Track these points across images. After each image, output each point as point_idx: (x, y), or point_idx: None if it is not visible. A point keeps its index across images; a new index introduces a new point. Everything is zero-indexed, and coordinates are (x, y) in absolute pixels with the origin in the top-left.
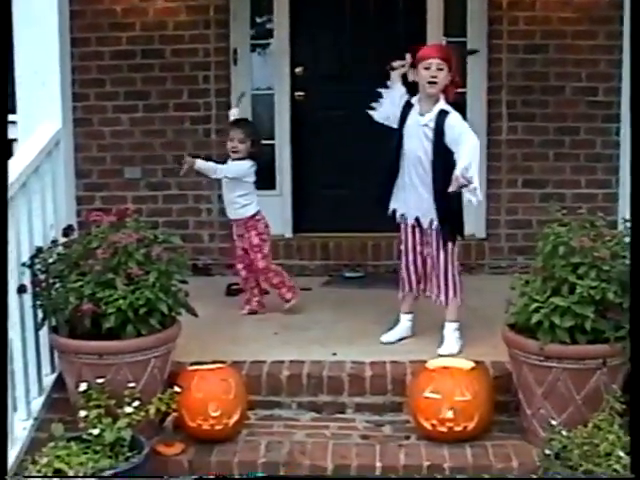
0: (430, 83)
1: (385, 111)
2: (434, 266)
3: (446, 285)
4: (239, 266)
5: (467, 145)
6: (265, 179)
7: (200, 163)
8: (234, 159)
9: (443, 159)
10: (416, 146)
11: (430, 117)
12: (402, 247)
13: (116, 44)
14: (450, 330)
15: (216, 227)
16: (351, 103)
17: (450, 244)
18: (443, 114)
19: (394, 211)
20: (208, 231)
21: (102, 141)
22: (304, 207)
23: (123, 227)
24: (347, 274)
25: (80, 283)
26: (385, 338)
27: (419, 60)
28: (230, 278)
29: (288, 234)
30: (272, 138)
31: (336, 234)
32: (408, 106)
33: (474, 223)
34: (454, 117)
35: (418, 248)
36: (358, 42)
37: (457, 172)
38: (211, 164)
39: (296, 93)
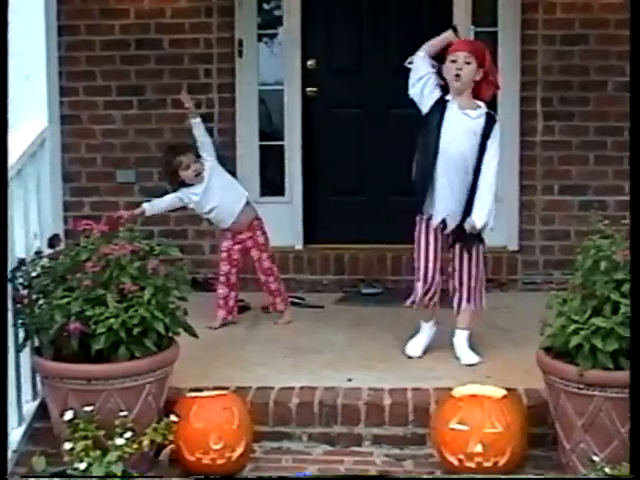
0: (455, 77)
1: (424, 68)
2: (454, 275)
3: (468, 291)
4: (222, 279)
5: (489, 177)
6: (273, 184)
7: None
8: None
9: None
10: (462, 143)
11: (478, 114)
12: (422, 251)
13: (108, 33)
14: (464, 338)
15: (218, 237)
16: (369, 100)
17: (474, 249)
18: (491, 117)
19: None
20: (209, 242)
21: (92, 141)
22: (316, 216)
23: (115, 237)
24: (364, 290)
25: (67, 299)
26: (411, 350)
27: (447, 54)
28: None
29: (298, 245)
30: (281, 139)
31: (352, 245)
32: (442, 102)
33: (506, 234)
34: (497, 128)
35: (439, 252)
36: (377, 32)
37: (477, 224)
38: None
39: (308, 89)
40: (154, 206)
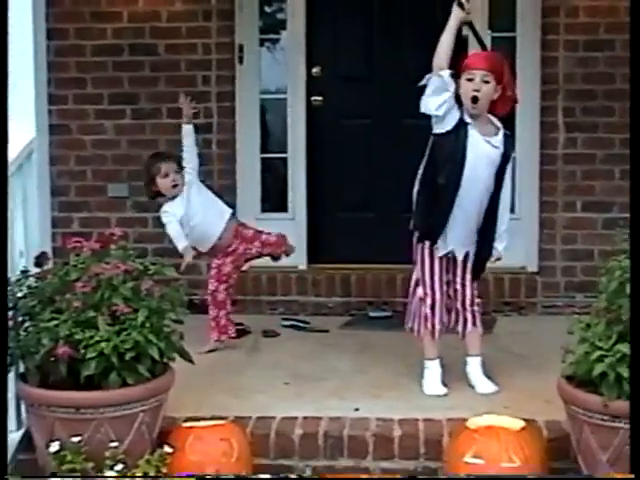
0: (472, 100)
1: (448, 88)
2: (457, 297)
3: (473, 315)
4: (210, 298)
5: (507, 202)
6: (275, 200)
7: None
8: (172, 195)
9: (501, 186)
10: (484, 175)
11: (500, 140)
12: (426, 280)
13: (99, 37)
14: (478, 366)
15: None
16: (379, 109)
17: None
18: (508, 138)
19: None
20: (206, 261)
21: (82, 152)
22: (321, 233)
23: (107, 256)
24: (372, 313)
25: (55, 322)
26: (432, 389)
27: (463, 70)
28: (232, 317)
29: (302, 265)
30: (284, 151)
31: (359, 265)
32: (463, 124)
33: (524, 254)
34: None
35: (444, 276)
36: (388, 35)
37: (502, 253)
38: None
39: (313, 97)
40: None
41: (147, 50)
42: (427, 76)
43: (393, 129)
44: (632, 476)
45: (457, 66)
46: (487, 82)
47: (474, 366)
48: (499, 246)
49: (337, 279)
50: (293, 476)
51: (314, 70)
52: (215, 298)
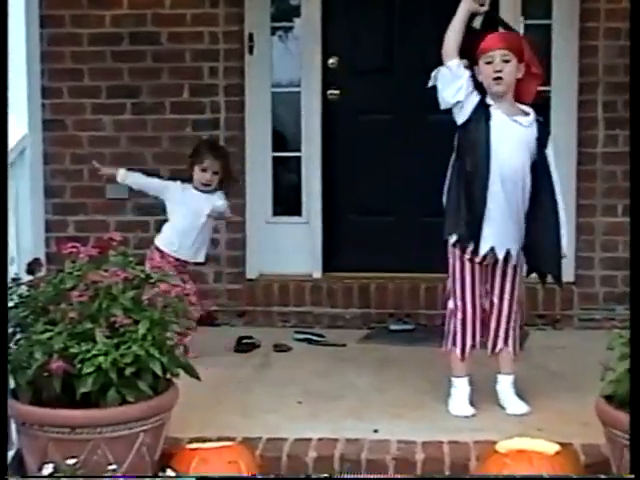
0: (495, 80)
1: (462, 74)
2: (492, 311)
3: (506, 332)
4: None
5: (559, 196)
6: (288, 202)
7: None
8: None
9: (547, 176)
10: (516, 158)
11: (529, 121)
12: (457, 291)
13: (97, 25)
14: (510, 385)
15: (223, 263)
16: (401, 104)
17: (517, 281)
18: (543, 125)
19: (458, 239)
20: (213, 268)
21: (78, 150)
22: (338, 239)
23: (105, 262)
24: (392, 326)
25: (49, 334)
26: (458, 409)
27: (479, 55)
28: (241, 330)
29: (317, 273)
30: (297, 149)
31: (379, 274)
32: (484, 107)
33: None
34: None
35: (478, 288)
36: (410, 26)
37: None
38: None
39: (329, 91)
40: (132, 175)
41: (149, 39)
42: (433, 73)
43: (416, 125)
44: (632, 476)
45: (473, 53)
46: (508, 61)
47: (505, 385)
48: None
49: (355, 289)
50: (294, 476)
51: (330, 61)
52: None
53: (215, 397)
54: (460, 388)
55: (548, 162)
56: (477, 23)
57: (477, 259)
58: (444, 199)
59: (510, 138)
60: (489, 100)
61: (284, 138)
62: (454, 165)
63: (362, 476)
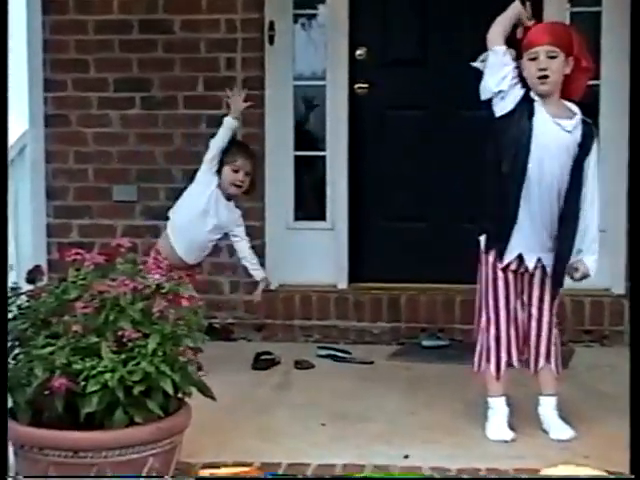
0: (541, 78)
1: (508, 62)
2: (531, 324)
3: (548, 348)
4: None
5: (596, 209)
6: (311, 206)
7: None
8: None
9: (579, 182)
10: (554, 162)
11: (574, 124)
12: (490, 303)
13: (104, 12)
14: (553, 407)
15: (241, 272)
16: (434, 98)
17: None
18: (589, 127)
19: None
20: (229, 277)
21: (83, 148)
22: (365, 246)
23: (112, 271)
24: (425, 342)
25: (50, 349)
26: (496, 433)
27: (524, 50)
28: (259, 345)
29: (342, 284)
30: (322, 148)
31: (410, 285)
32: (528, 101)
33: (609, 273)
34: (596, 141)
35: (513, 299)
36: (446, 13)
37: (591, 272)
38: None
39: (356, 85)
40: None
41: (160, 27)
42: (480, 57)
43: (451, 122)
44: (632, 476)
45: (517, 46)
46: (554, 57)
47: (548, 407)
48: (587, 260)
49: (384, 301)
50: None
51: (358, 52)
52: None
53: (231, 419)
54: (497, 410)
55: (585, 172)
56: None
57: (500, 265)
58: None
59: (550, 141)
60: (534, 95)
61: (307, 136)
62: (488, 160)
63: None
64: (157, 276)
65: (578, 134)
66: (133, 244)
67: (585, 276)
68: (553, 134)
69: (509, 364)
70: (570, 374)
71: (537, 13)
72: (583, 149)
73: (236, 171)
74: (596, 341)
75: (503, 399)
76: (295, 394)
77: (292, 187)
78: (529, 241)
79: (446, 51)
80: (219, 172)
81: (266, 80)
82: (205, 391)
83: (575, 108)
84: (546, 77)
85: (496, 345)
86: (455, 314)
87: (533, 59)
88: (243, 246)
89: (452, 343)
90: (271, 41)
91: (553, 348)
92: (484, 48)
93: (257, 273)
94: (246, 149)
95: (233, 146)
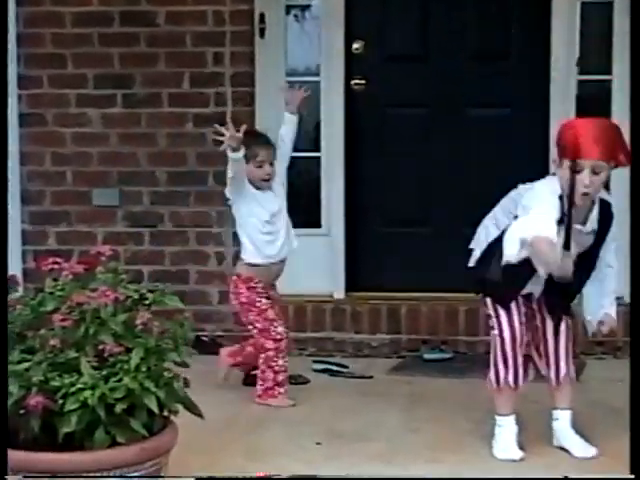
0: (581, 195)
1: None
2: (546, 330)
3: (567, 356)
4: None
5: (613, 264)
6: (305, 211)
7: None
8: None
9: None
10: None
11: (593, 223)
12: (500, 312)
13: (82, 3)
14: (569, 422)
15: (229, 281)
16: (437, 96)
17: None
18: (605, 206)
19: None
20: (218, 287)
21: (60, 149)
22: (363, 253)
23: (92, 281)
24: (427, 355)
25: (26, 365)
26: (505, 452)
27: (566, 151)
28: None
29: (338, 294)
30: (316, 149)
31: (411, 294)
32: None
33: (621, 280)
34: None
35: (526, 306)
36: (447, 6)
37: (612, 319)
38: None
39: (353, 81)
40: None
41: (143, 20)
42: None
43: (454, 120)
44: (632, 476)
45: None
46: (599, 173)
47: (565, 422)
48: (611, 311)
49: (383, 311)
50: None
51: (355, 46)
52: None
53: (220, 438)
54: (506, 427)
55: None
56: None
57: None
58: (482, 238)
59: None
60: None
61: (300, 136)
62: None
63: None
64: None
65: (596, 224)
66: (115, 252)
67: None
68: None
69: (525, 377)
70: (581, 388)
71: (546, 5)
72: (603, 228)
73: (261, 165)
74: (608, 353)
75: (513, 417)
76: (289, 411)
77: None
78: (538, 287)
79: (449, 45)
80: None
81: (256, 76)
82: (192, 409)
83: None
84: (587, 194)
85: (512, 356)
86: (459, 325)
87: (577, 171)
88: None
89: (456, 356)
90: (262, 34)
91: (571, 356)
92: (488, 42)
93: None
94: (262, 137)
95: (248, 139)
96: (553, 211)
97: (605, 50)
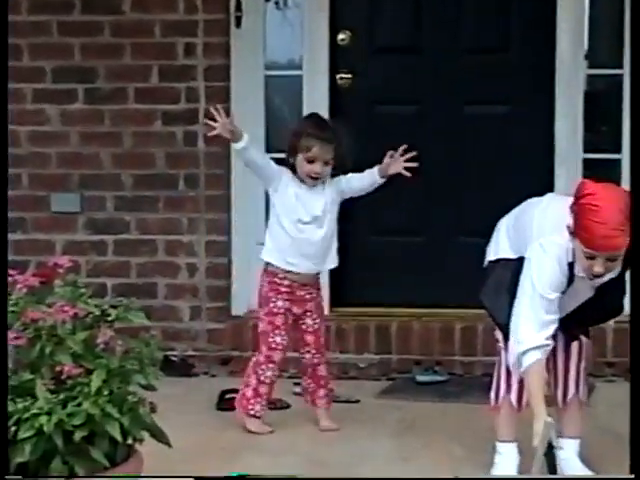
0: (593, 276)
1: None
2: (558, 349)
3: (577, 376)
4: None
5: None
6: None
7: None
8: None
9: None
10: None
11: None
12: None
13: None
14: (576, 451)
15: (203, 296)
16: (428, 92)
17: None
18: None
19: None
20: (189, 303)
21: (15, 149)
22: (350, 264)
23: (49, 295)
24: (420, 377)
25: None
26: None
27: (581, 236)
28: (225, 381)
29: None
30: None
31: (402, 310)
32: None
33: (629, 295)
34: None
35: None
36: None
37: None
38: None
39: (338, 75)
40: (253, 148)
41: (107, 7)
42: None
43: (448, 119)
44: (632, 476)
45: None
46: (614, 260)
47: (571, 451)
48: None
49: (371, 328)
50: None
51: (340, 36)
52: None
53: (190, 469)
54: (506, 455)
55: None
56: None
57: None
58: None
59: (579, 295)
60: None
61: (281, 135)
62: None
63: None
64: None
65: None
66: (75, 263)
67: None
68: (585, 288)
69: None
70: (589, 413)
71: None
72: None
73: (311, 161)
74: (620, 375)
75: (514, 445)
76: (267, 439)
77: (262, 195)
78: None
79: (443, 36)
80: (290, 160)
81: (232, 69)
82: (159, 436)
83: None
84: (600, 277)
85: (514, 375)
86: (454, 344)
87: (591, 257)
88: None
89: (451, 378)
90: (238, 23)
91: (582, 377)
92: (487, 33)
93: None
94: (325, 130)
95: (308, 126)
96: (552, 293)
97: (616, 42)
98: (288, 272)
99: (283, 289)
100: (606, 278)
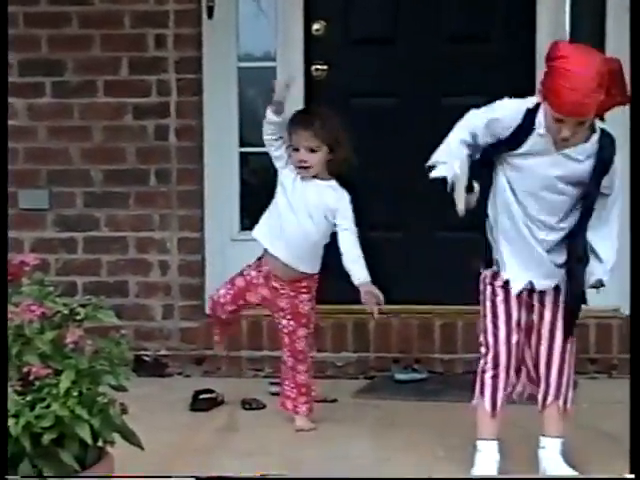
0: (562, 140)
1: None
2: (540, 351)
3: (559, 381)
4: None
5: (618, 213)
6: (260, 213)
7: None
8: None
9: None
10: (557, 196)
11: (588, 151)
12: (488, 328)
13: None
14: (558, 451)
15: (176, 294)
16: (405, 84)
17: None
18: (605, 138)
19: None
20: (162, 301)
21: None
22: (327, 260)
23: (17, 293)
24: (398, 375)
25: None
26: (480, 471)
27: (550, 98)
28: (199, 381)
29: None
30: None
31: (380, 306)
32: (526, 132)
33: (618, 290)
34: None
35: (517, 322)
36: None
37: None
38: None
39: (313, 66)
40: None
41: None
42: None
43: (426, 111)
44: (632, 476)
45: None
46: (583, 123)
47: (552, 451)
48: (602, 267)
49: (349, 326)
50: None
51: (315, 27)
52: (307, 360)
53: (163, 471)
54: (486, 453)
55: (597, 195)
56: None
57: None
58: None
59: (557, 180)
60: (540, 130)
61: (255, 129)
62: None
63: None
64: None
65: (592, 160)
66: (44, 261)
67: (600, 285)
68: (561, 170)
69: (510, 398)
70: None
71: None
72: (597, 174)
73: (296, 149)
74: (603, 372)
75: (495, 444)
76: (242, 440)
77: (237, 190)
78: (536, 266)
79: (422, 26)
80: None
81: (204, 61)
82: (130, 438)
83: (595, 124)
84: (567, 140)
85: (493, 376)
86: (434, 341)
87: (559, 120)
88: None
89: (431, 376)
90: (210, 14)
91: (564, 382)
92: (467, 22)
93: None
94: (303, 117)
95: (294, 117)
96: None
97: (598, 32)
98: (270, 256)
99: (261, 270)
100: (572, 148)
